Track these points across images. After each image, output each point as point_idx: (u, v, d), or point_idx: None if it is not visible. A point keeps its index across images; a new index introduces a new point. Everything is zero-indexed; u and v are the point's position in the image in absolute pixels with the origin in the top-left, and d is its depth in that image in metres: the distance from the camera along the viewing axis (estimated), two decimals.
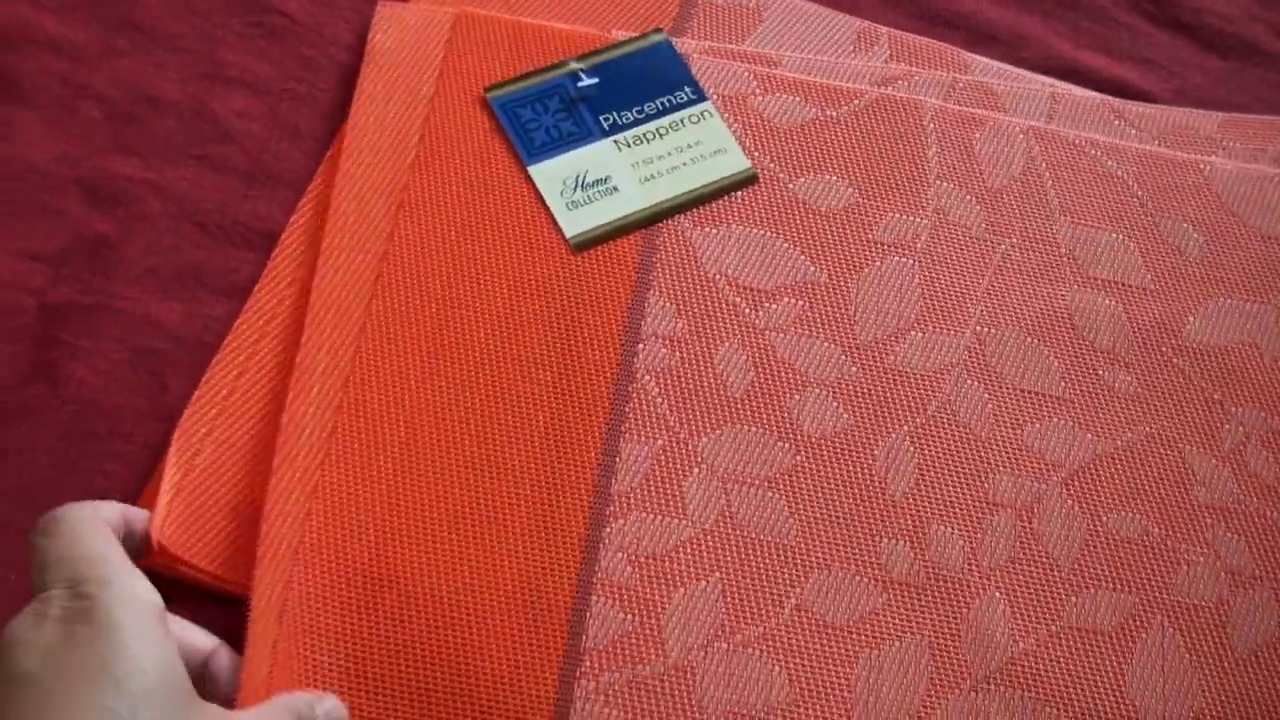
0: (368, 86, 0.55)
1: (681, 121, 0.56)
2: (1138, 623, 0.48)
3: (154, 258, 0.52)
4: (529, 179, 0.54)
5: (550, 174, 0.54)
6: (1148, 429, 0.51)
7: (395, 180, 0.53)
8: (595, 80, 0.56)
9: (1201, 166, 0.57)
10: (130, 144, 0.54)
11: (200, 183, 0.54)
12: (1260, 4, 0.63)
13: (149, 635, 0.35)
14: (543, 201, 0.53)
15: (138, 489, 0.47)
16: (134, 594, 0.35)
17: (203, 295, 0.52)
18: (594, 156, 0.55)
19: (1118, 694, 0.46)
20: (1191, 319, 0.54)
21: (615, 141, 0.55)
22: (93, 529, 0.37)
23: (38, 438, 0.48)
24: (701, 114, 0.56)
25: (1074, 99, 0.58)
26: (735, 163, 0.55)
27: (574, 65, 0.56)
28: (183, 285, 0.52)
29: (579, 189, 0.54)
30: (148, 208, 0.53)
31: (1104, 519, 0.49)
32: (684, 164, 0.55)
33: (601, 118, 0.55)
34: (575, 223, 0.53)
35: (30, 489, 0.47)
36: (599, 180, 0.54)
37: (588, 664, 0.45)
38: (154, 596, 0.36)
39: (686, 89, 0.56)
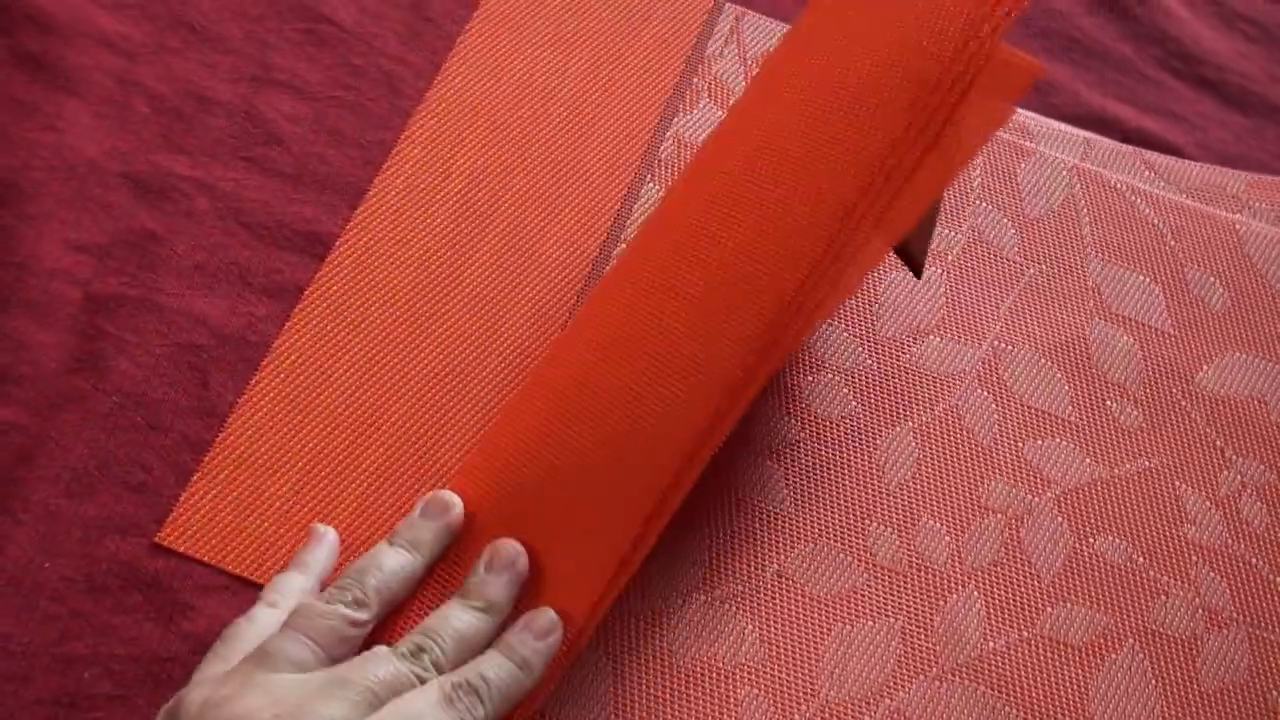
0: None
1: None
2: (1109, 642, 0.48)
3: (200, 254, 0.52)
4: None
5: None
6: (1147, 463, 0.52)
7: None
8: None
9: (1237, 226, 0.58)
10: (179, 141, 0.55)
11: (247, 183, 0.54)
12: None
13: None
14: None
15: (174, 483, 0.48)
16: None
17: (247, 294, 0.52)
18: None
19: (1079, 706, 0.47)
20: (1205, 367, 0.55)
21: None
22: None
23: (81, 427, 0.48)
24: None
25: (1106, 145, 0.60)
26: None
27: None
28: (227, 283, 0.52)
29: None
30: (195, 205, 0.53)
31: (1091, 540, 0.50)
32: None
33: None
34: None
35: (70, 478, 0.47)
36: None
37: None
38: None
39: None
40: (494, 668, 0.40)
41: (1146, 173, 0.60)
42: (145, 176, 0.54)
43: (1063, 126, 0.60)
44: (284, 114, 0.56)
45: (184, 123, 0.55)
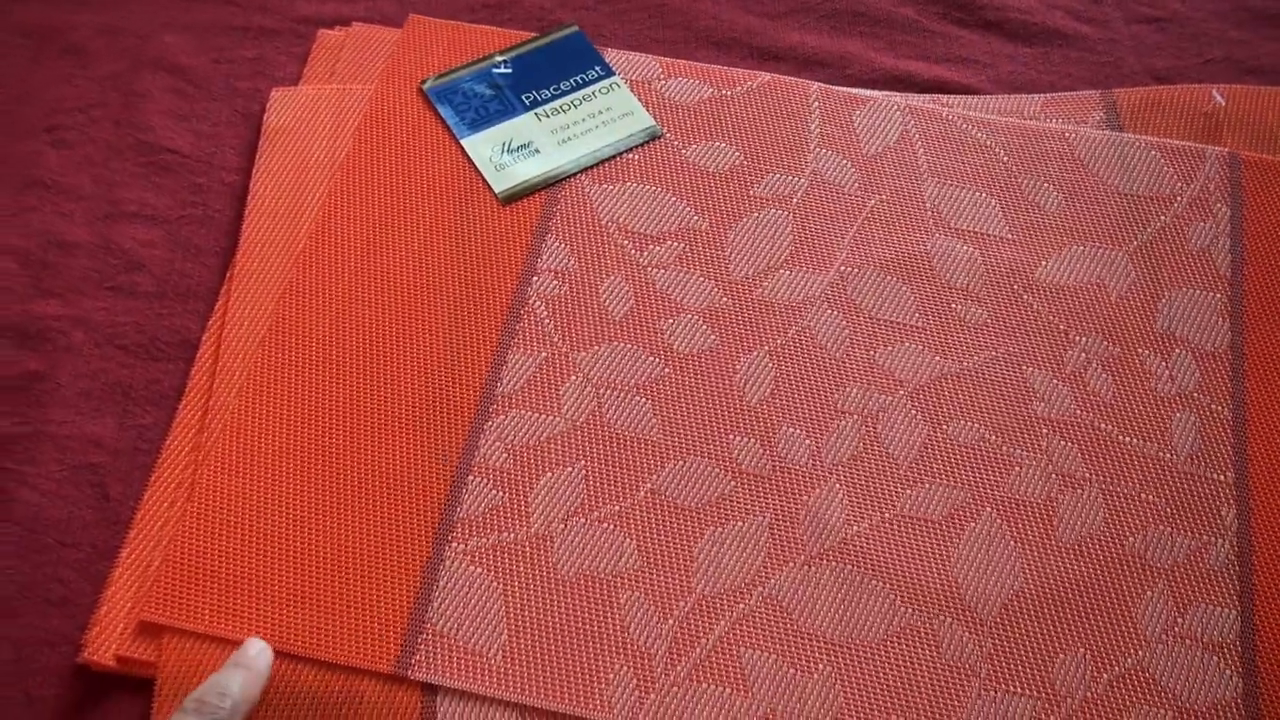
0: (265, 162, 0.62)
1: (593, 94, 0.64)
2: (966, 514, 0.52)
3: (83, 381, 0.57)
4: (461, 149, 0.62)
5: (480, 143, 0.62)
6: (993, 353, 0.56)
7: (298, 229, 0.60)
8: (511, 70, 0.65)
9: (1067, 134, 0.63)
10: (48, 286, 0.60)
11: (116, 309, 0.59)
12: None
13: None
14: (473, 165, 0.61)
15: (92, 590, 0.51)
16: None
17: (132, 408, 0.56)
18: (518, 127, 0.63)
19: (941, 570, 0.51)
20: (1045, 262, 0.59)
21: (536, 114, 0.63)
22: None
23: None
24: (610, 86, 0.64)
25: (913, 99, 0.65)
26: (641, 121, 0.63)
27: (496, 58, 0.65)
28: (113, 402, 0.56)
29: (505, 153, 0.62)
30: (72, 340, 0.58)
31: (944, 426, 0.54)
32: (596, 126, 0.63)
33: (523, 96, 0.64)
34: (503, 180, 0.61)
35: None
36: (523, 145, 0.62)
37: (459, 530, 0.51)
38: None
39: (596, 67, 0.65)
40: (227, 675, 0.46)
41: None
42: (22, 324, 0.59)
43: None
44: (140, 241, 0.61)
45: (50, 269, 0.61)
